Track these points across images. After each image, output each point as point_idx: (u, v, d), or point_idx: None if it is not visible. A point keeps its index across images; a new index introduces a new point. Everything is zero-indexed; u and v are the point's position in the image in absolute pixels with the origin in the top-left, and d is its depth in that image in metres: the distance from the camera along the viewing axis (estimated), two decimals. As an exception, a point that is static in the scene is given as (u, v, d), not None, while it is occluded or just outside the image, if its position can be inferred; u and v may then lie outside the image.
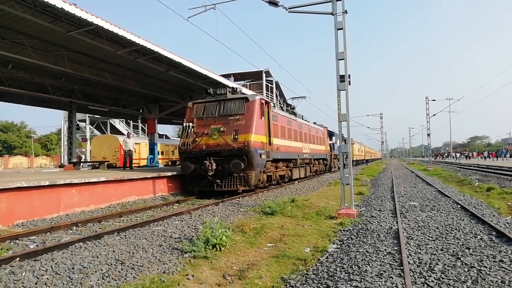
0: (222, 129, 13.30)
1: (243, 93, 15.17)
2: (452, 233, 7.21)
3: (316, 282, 4.81)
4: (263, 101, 14.37)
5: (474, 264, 5.15)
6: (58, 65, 15.45)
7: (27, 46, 13.61)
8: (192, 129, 13.87)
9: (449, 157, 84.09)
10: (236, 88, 15.10)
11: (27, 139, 73.00)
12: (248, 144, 12.78)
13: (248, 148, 12.77)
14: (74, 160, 22.94)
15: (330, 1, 9.91)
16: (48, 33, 13.05)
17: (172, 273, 4.94)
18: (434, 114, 52.44)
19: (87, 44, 13.76)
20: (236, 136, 13.05)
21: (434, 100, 49.53)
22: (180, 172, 14.48)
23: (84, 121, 44.91)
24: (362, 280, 4.64)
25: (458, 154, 78.16)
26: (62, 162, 39.07)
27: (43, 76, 17.62)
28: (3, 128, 74.27)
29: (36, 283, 4.44)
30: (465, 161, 58.62)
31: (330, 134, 32.24)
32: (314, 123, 26.76)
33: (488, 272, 4.82)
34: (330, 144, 31.01)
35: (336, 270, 5.11)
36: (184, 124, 14.18)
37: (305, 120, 23.78)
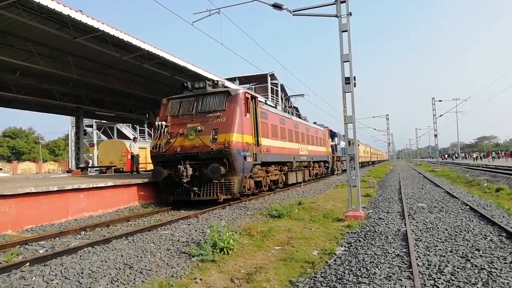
0: (199, 128, 11.52)
1: (225, 87, 13.46)
2: (461, 234, 7.15)
3: (325, 285, 4.79)
4: (248, 95, 12.51)
5: (484, 266, 5.10)
6: (65, 71, 15.62)
7: (35, 53, 13.79)
8: (166, 129, 12.06)
9: (459, 157, 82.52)
10: (217, 81, 13.25)
11: (35, 145, 73.68)
12: (229, 145, 11.06)
13: (229, 150, 11.05)
14: (82, 165, 23.09)
15: (335, 4, 9.91)
16: (55, 40, 13.21)
17: (180, 277, 4.96)
18: (441, 115, 52.33)
19: (93, 50, 13.89)
20: (215, 136, 11.32)
21: (441, 101, 49.18)
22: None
23: (91, 126, 45.28)
24: (371, 282, 4.61)
25: (475, 154, 72.66)
26: (69, 167, 39.35)
27: (50, 82, 17.81)
28: (12, 134, 75.08)
29: (46, 288, 4.47)
30: (474, 162, 57.02)
31: (332, 135, 30.60)
32: (314, 122, 25.59)
33: (499, 274, 4.77)
34: (332, 145, 29.35)
35: (345, 273, 5.09)
36: (157, 123, 12.35)
37: (303, 120, 22.93)
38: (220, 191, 11.44)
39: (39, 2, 9.75)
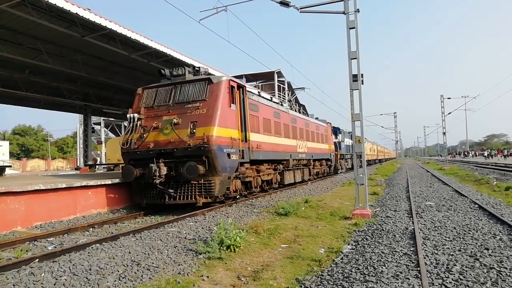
0: (175, 120, 10.15)
1: (208, 74, 11.87)
2: (469, 233, 7.08)
3: (331, 283, 4.78)
4: (233, 84, 11.13)
5: (493, 265, 5.04)
6: (74, 69, 15.75)
7: (43, 51, 13.91)
8: (139, 122, 10.73)
9: (469, 155, 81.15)
10: (199, 67, 11.84)
11: (44, 142, 74.53)
12: (208, 140, 9.68)
13: (209, 146, 9.68)
14: (90, 162, 23.30)
15: (342, 0, 9.84)
16: (63, 38, 13.31)
17: (187, 274, 4.98)
18: (450, 113, 51.45)
19: (101, 48, 13.98)
20: (193, 130, 9.96)
21: (450, 98, 48.59)
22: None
23: (99, 124, 45.63)
24: (378, 281, 4.59)
25: (486, 152, 70.19)
26: (78, 164, 39.78)
27: (59, 80, 17.98)
28: (21, 132, 76.00)
29: (54, 284, 4.53)
30: (485, 160, 55.78)
31: (335, 131, 29.21)
32: (316, 118, 24.54)
33: (508, 274, 4.71)
34: (335, 142, 27.86)
35: (352, 271, 5.07)
36: (128, 115, 10.93)
37: (303, 114, 21.99)
38: (199, 194, 10.04)
39: (48, 0, 9.83)
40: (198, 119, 10.08)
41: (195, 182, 10.03)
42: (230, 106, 10.78)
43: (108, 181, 10.94)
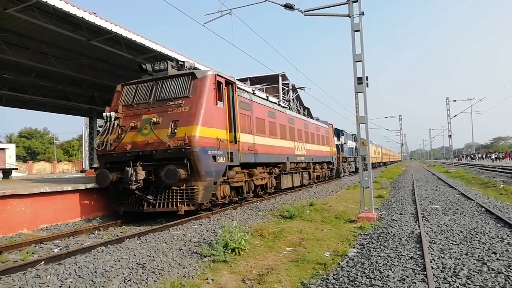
0: (154, 119, 9.28)
1: (194, 68, 10.80)
2: (477, 237, 7.01)
3: (337, 287, 4.75)
4: (220, 79, 10.26)
5: (501, 270, 4.98)
6: (79, 73, 15.87)
7: (49, 55, 14.02)
8: (116, 122, 9.87)
9: (476, 158, 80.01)
10: (184, 62, 10.88)
11: (50, 145, 75.04)
12: (190, 141, 8.77)
13: (191, 147, 8.78)
14: (95, 165, 23.40)
15: (347, 3, 9.84)
16: (69, 42, 13.42)
17: (192, 277, 4.97)
18: (455, 115, 51.35)
19: (106, 52, 14.07)
20: (175, 130, 9.07)
21: (455, 101, 48.33)
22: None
23: (104, 127, 45.83)
24: (384, 285, 4.55)
25: (493, 155, 67.48)
26: (83, 167, 39.95)
27: (64, 83, 18.11)
28: (27, 135, 76.59)
29: (60, 286, 4.54)
30: (493, 163, 54.51)
31: (338, 133, 28.36)
32: (317, 119, 23.95)
33: (516, 278, 4.65)
34: (337, 144, 26.98)
35: (357, 275, 5.03)
36: (105, 114, 10.03)
37: (307, 116, 21.55)
38: (180, 201, 9.06)
39: (54, 5, 9.93)
40: (180, 118, 9.18)
41: (176, 188, 9.09)
42: (217, 104, 9.87)
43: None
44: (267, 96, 16.53)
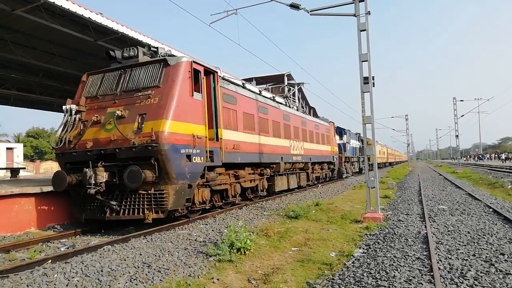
0: (119, 113, 8.12)
1: (170, 55, 9.38)
2: (484, 238, 6.95)
3: (343, 287, 4.73)
4: (198, 67, 9.09)
5: (509, 271, 4.93)
6: (86, 73, 15.95)
7: (56, 55, 14.12)
8: (79, 116, 8.74)
9: (485, 158, 78.68)
10: (157, 48, 9.66)
11: (57, 144, 75.52)
12: (157, 138, 7.62)
13: (158, 145, 7.60)
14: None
15: (353, 3, 9.80)
16: (76, 42, 13.50)
17: (198, 277, 4.98)
18: (463, 115, 50.70)
19: (113, 52, 14.12)
20: (142, 125, 7.94)
21: (462, 101, 47.88)
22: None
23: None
24: (391, 286, 4.53)
25: (504, 155, 65.80)
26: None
27: (71, 83, 18.21)
28: (35, 135, 77.30)
29: (67, 285, 4.57)
30: (503, 163, 53.23)
31: (340, 132, 27.37)
32: (318, 116, 23.16)
33: (525, 279, 4.60)
34: (339, 144, 26.04)
35: (363, 276, 5.01)
36: (65, 107, 8.86)
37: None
38: (148, 207, 7.87)
39: (61, 5, 10.00)
40: (148, 111, 8.03)
41: (143, 192, 7.89)
42: (193, 95, 8.70)
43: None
44: (260, 91, 15.74)
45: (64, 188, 8.12)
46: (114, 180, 7.86)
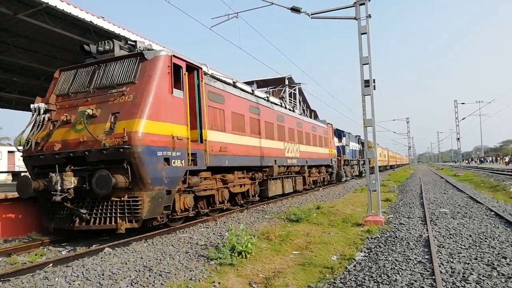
0: (89, 111, 7.42)
1: (148, 49, 8.55)
2: (486, 241, 6.92)
3: (344, 291, 4.72)
4: (178, 62, 8.39)
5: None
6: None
7: (58, 59, 14.19)
8: (48, 115, 8.06)
9: (487, 161, 78.25)
10: (135, 42, 8.94)
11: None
12: (130, 139, 6.89)
13: (131, 147, 6.88)
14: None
15: (354, 6, 9.83)
16: (78, 46, 13.57)
17: (199, 280, 4.97)
18: (464, 118, 50.64)
19: (114, 55, 14.17)
20: (114, 125, 7.24)
21: (463, 104, 47.84)
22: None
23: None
24: (392, 289, 4.51)
25: (507, 158, 64.90)
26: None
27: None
28: (36, 138, 77.48)
29: (68, 289, 4.56)
30: (506, 166, 52.61)
31: (339, 134, 26.80)
32: (319, 120, 22.76)
33: (527, 283, 4.59)
34: (338, 146, 25.38)
35: (365, 279, 4.99)
36: (33, 106, 8.12)
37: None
38: (121, 216, 7.12)
39: (63, 9, 10.06)
40: (121, 110, 7.32)
41: (116, 199, 7.17)
42: (172, 92, 7.99)
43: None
44: (252, 91, 14.88)
45: (29, 194, 7.43)
46: (85, 186, 7.16)
